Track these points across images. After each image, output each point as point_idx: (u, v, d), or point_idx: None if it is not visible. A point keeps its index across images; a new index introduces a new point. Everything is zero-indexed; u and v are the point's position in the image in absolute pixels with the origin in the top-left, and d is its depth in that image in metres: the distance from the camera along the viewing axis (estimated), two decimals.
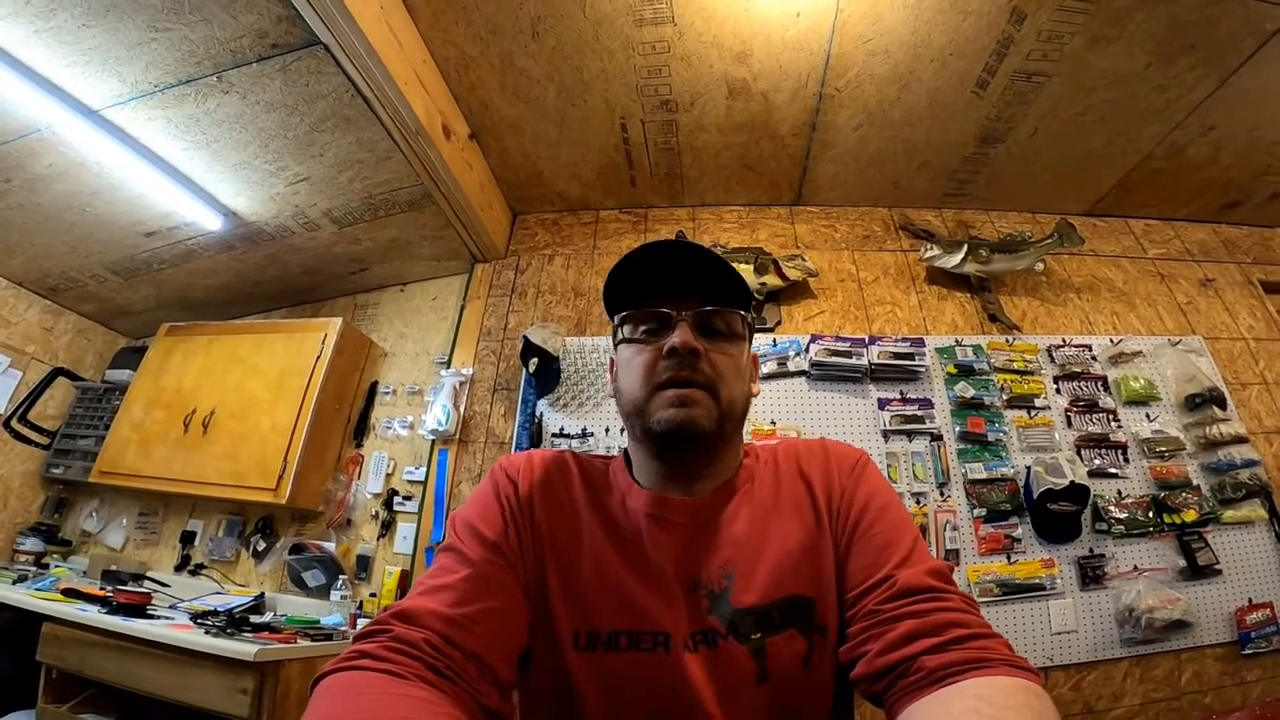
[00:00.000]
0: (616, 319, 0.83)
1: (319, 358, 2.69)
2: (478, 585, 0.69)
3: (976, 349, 2.50)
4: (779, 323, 2.66)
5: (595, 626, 0.73)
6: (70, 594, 2.14)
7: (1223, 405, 2.33)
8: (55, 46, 1.79)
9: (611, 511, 0.81)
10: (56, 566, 2.73)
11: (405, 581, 2.41)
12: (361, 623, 2.30)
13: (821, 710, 0.74)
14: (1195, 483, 2.26)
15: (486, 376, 2.71)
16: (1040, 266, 2.61)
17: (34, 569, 2.66)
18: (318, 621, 2.27)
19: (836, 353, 2.43)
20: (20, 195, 2.34)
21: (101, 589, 2.21)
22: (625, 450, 0.89)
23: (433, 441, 2.61)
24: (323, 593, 2.48)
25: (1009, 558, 2.16)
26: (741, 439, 0.86)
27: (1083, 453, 2.31)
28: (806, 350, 2.48)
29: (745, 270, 2.63)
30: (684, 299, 0.78)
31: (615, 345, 0.85)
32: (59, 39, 1.77)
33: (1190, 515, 2.17)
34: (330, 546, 2.55)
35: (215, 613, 2.11)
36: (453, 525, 0.78)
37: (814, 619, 0.73)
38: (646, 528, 0.78)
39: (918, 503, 2.25)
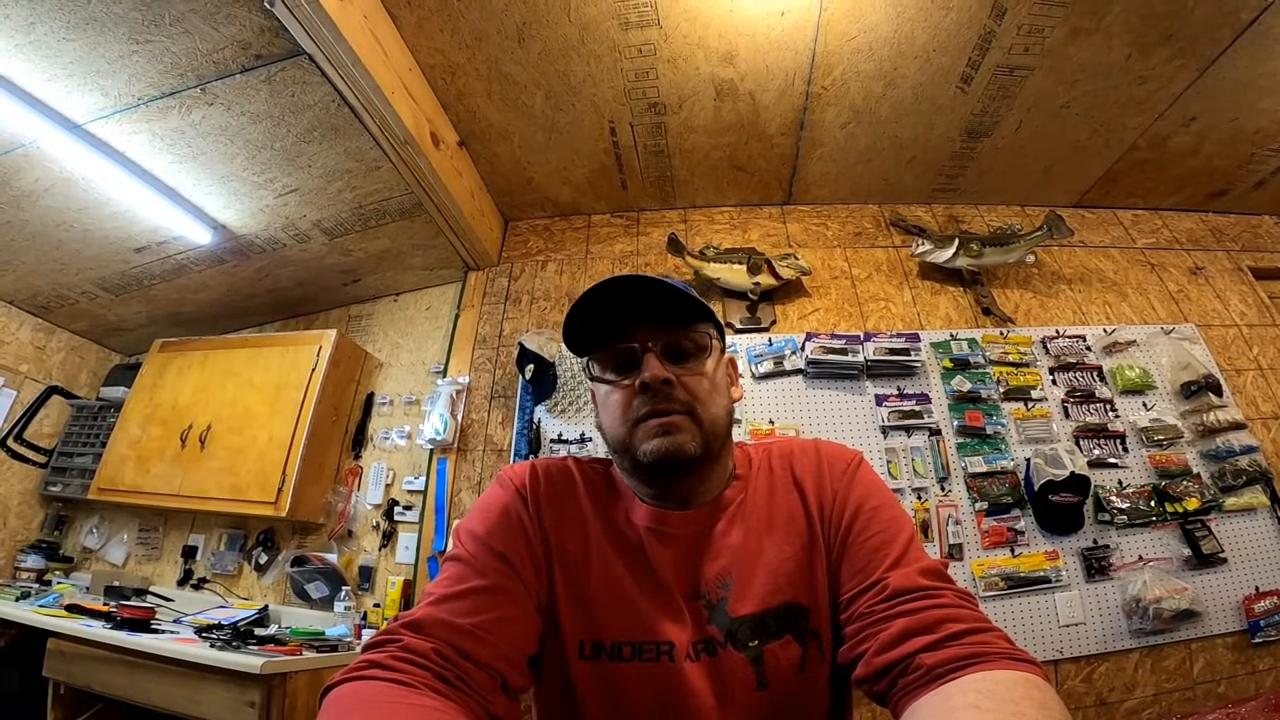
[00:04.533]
0: (585, 360, 0.83)
1: (314, 370, 2.69)
2: (486, 595, 0.70)
3: (971, 343, 2.50)
4: (774, 322, 2.66)
5: (600, 637, 0.74)
6: (74, 610, 2.13)
7: (1219, 392, 2.34)
8: (36, 60, 1.78)
9: (616, 522, 0.82)
10: (59, 583, 2.73)
11: (408, 591, 2.40)
12: (366, 633, 2.30)
13: (817, 714, 0.75)
14: (1195, 471, 2.26)
15: (483, 384, 2.71)
16: (1031, 259, 2.61)
17: (36, 586, 2.65)
18: (322, 633, 2.26)
19: (832, 350, 2.43)
20: (7, 212, 2.33)
21: (105, 604, 2.21)
22: None
23: (431, 451, 2.60)
24: (326, 604, 2.48)
25: (1013, 551, 2.16)
26: (731, 450, 0.86)
27: (1081, 443, 2.31)
28: (802, 349, 2.48)
29: (738, 270, 2.63)
30: (646, 328, 0.78)
31: (590, 381, 0.85)
32: (39, 53, 1.76)
33: (1192, 503, 2.17)
34: (332, 558, 2.54)
35: (220, 626, 2.11)
36: (458, 536, 0.78)
37: (808, 625, 0.74)
38: (648, 541, 0.79)
39: (919, 498, 2.25)
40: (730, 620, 0.74)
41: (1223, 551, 2.11)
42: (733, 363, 0.88)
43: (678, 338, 0.79)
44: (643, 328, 0.78)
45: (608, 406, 0.79)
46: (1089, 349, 2.49)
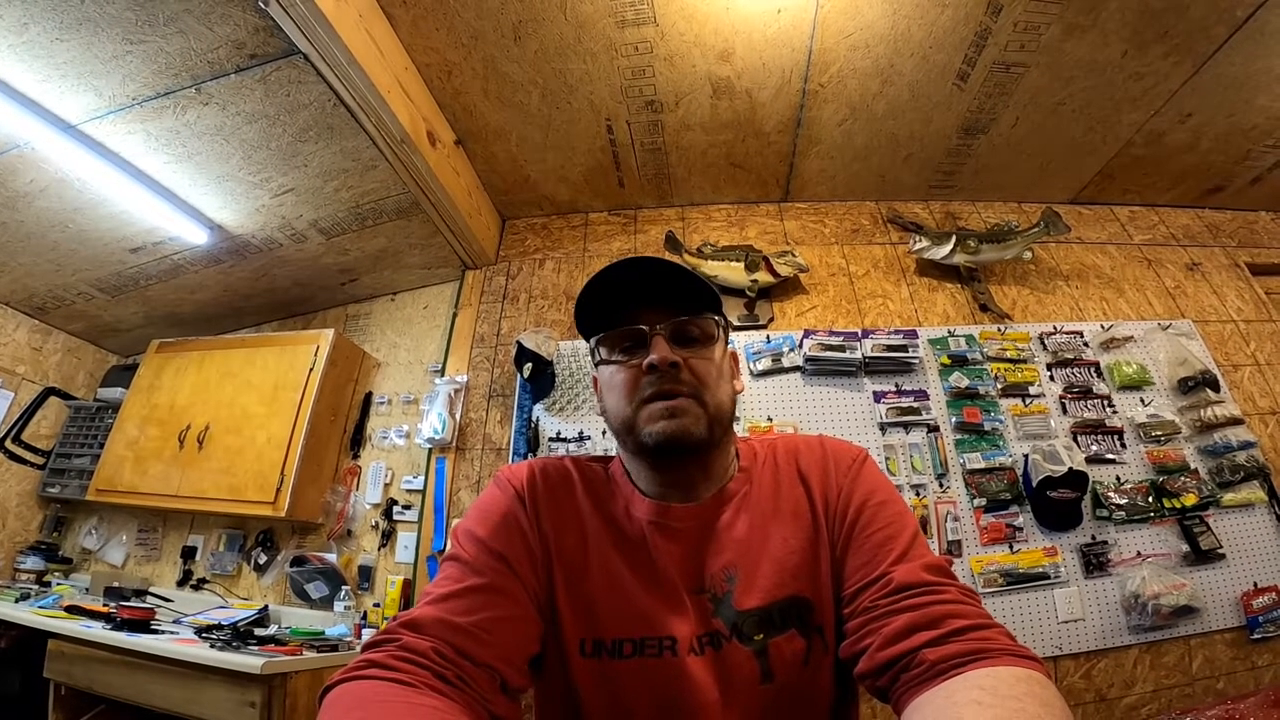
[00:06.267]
0: (592, 341, 0.83)
1: (312, 370, 2.68)
2: (485, 594, 0.70)
3: (969, 339, 2.50)
4: (772, 319, 2.66)
5: (601, 635, 0.75)
6: (74, 611, 2.13)
7: (1216, 387, 2.35)
8: (30, 61, 1.77)
9: (616, 518, 0.82)
10: (59, 584, 2.73)
11: (408, 590, 2.40)
12: (366, 633, 2.30)
13: (821, 707, 0.75)
14: (1193, 466, 2.27)
15: (481, 383, 2.71)
16: (1028, 255, 2.62)
17: (36, 587, 2.65)
18: (322, 633, 2.27)
19: (830, 347, 2.43)
20: (2, 214, 2.32)
21: (105, 605, 2.21)
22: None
23: (430, 450, 2.60)
24: (326, 604, 2.47)
25: (1011, 547, 2.16)
26: (733, 440, 0.86)
27: (1079, 439, 2.31)
28: (800, 346, 2.48)
29: (736, 268, 2.63)
30: (655, 311, 0.79)
31: (595, 365, 0.85)
32: (33, 53, 1.75)
33: (1190, 499, 2.17)
34: (332, 558, 2.54)
35: (220, 626, 2.11)
36: (456, 536, 0.78)
37: (812, 619, 0.74)
38: (650, 535, 0.79)
39: (917, 494, 2.25)
40: (736, 614, 0.74)
41: (1221, 547, 2.12)
42: (734, 356, 0.89)
43: (686, 323, 0.79)
44: (652, 311, 0.79)
45: (614, 387, 0.79)
46: (1086, 345, 2.50)
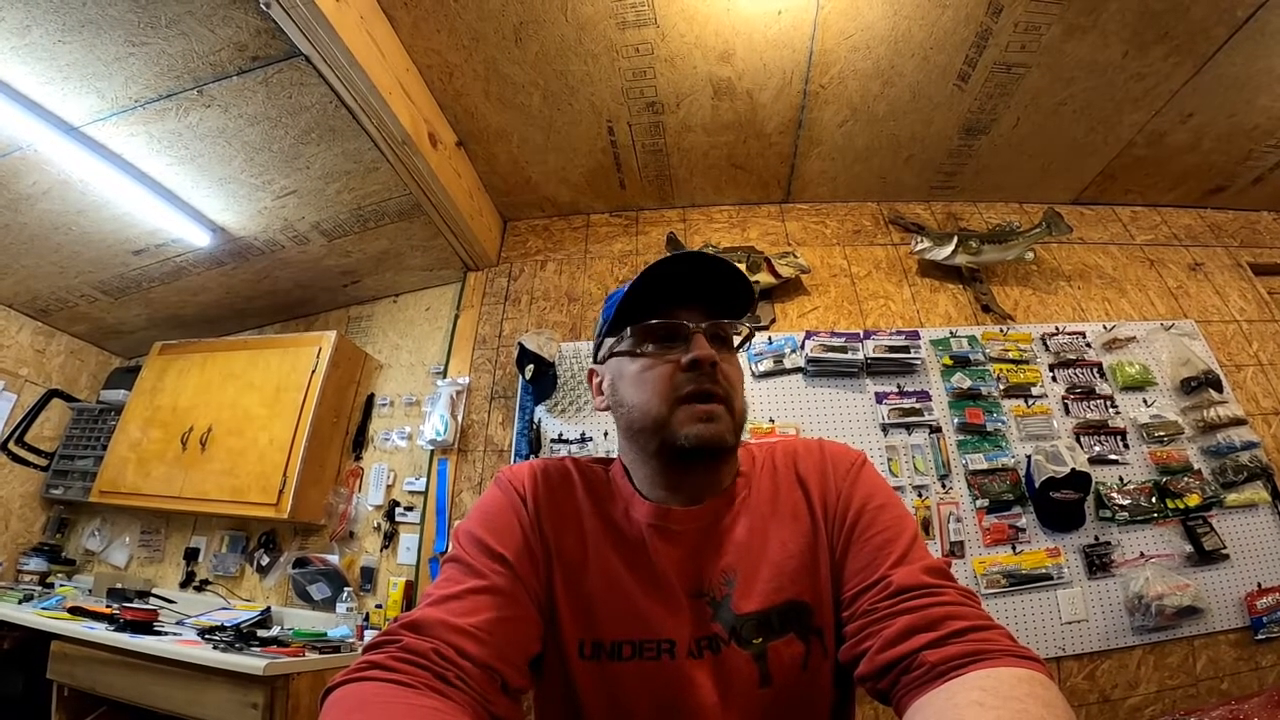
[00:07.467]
0: (628, 330, 0.80)
1: (314, 372, 2.69)
2: (485, 595, 0.69)
3: (971, 340, 2.50)
4: (773, 320, 2.66)
5: (599, 636, 0.74)
6: (77, 612, 2.14)
7: (1219, 388, 2.34)
8: (32, 63, 1.78)
9: (616, 520, 0.81)
10: (62, 585, 2.73)
11: (410, 592, 2.40)
12: (368, 634, 2.30)
13: (821, 711, 0.75)
14: (1196, 467, 2.26)
15: (483, 385, 2.71)
16: (1030, 256, 2.62)
17: (39, 589, 2.66)
18: (325, 634, 2.27)
19: (832, 348, 2.43)
20: (5, 216, 2.33)
21: (108, 606, 2.22)
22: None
23: (432, 452, 2.60)
24: (328, 605, 2.48)
25: (1014, 548, 2.16)
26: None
27: (1082, 440, 2.31)
28: (802, 347, 2.48)
29: None
30: (690, 309, 0.79)
31: (602, 357, 0.85)
32: (35, 55, 1.75)
33: (1193, 500, 2.17)
34: (334, 559, 2.55)
35: (223, 628, 2.11)
36: (457, 537, 0.78)
37: (811, 622, 0.74)
38: (650, 538, 0.78)
39: (920, 495, 2.24)
40: (735, 617, 0.74)
41: (1224, 548, 2.11)
42: None
43: (722, 325, 0.79)
44: (687, 308, 0.79)
45: (643, 382, 0.77)
46: (1089, 345, 2.49)
